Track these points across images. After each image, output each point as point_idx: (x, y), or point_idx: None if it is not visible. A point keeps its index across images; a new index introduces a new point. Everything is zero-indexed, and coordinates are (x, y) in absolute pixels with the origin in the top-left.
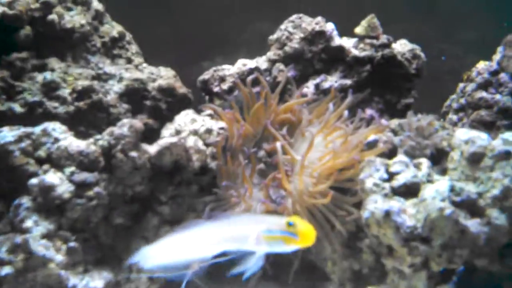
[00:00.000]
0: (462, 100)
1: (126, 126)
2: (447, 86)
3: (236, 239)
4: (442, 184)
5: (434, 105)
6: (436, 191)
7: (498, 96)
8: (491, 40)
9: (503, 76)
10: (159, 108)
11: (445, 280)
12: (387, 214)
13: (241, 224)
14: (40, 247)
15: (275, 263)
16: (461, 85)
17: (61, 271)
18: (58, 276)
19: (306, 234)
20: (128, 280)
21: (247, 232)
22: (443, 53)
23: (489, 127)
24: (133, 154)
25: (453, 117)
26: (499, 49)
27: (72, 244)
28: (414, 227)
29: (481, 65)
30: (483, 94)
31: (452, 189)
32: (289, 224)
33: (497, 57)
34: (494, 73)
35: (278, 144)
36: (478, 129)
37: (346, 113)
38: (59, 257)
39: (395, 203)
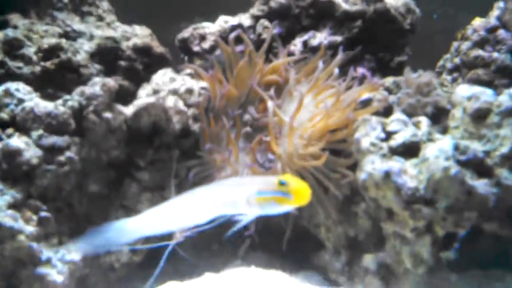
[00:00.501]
0: (457, 60)
1: (98, 85)
2: (438, 46)
3: (227, 204)
4: (445, 142)
5: (426, 65)
6: (440, 150)
7: (496, 54)
8: None
9: (501, 33)
10: (135, 68)
11: (447, 246)
12: (387, 175)
13: (231, 188)
14: (7, 218)
15: (264, 231)
16: (455, 44)
17: (32, 243)
18: (29, 248)
19: (300, 192)
20: (108, 252)
21: (238, 195)
22: (434, 12)
23: (487, 86)
24: (107, 115)
25: (447, 77)
26: (498, 4)
27: (43, 214)
28: (416, 188)
29: (477, 22)
30: (480, 52)
31: (456, 148)
32: (281, 183)
33: (494, 13)
34: (491, 30)
35: (269, 103)
36: None
37: (336, 71)
38: (29, 228)
39: (395, 163)
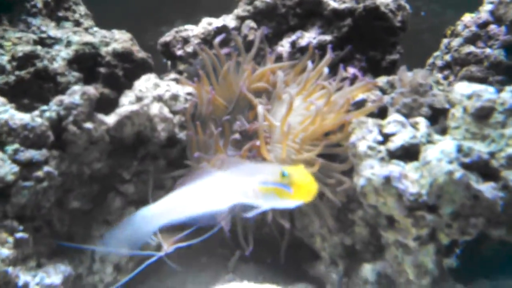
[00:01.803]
0: (448, 57)
1: (77, 93)
2: (426, 43)
3: (240, 192)
4: (447, 144)
5: (414, 63)
6: (442, 152)
7: (488, 50)
8: None
9: (493, 28)
10: (116, 75)
11: (448, 252)
12: (387, 180)
13: (242, 175)
14: None
15: (256, 242)
16: (445, 40)
17: (7, 268)
18: (5, 274)
19: (302, 186)
20: (90, 272)
21: (248, 184)
22: (420, 9)
23: (481, 83)
24: (88, 125)
25: (438, 75)
26: None
27: (20, 234)
28: (418, 194)
29: (467, 17)
30: (472, 48)
31: (459, 149)
32: (283, 175)
33: (485, 8)
34: (483, 25)
35: (259, 108)
36: None
37: (326, 71)
38: (5, 252)
39: (395, 168)
